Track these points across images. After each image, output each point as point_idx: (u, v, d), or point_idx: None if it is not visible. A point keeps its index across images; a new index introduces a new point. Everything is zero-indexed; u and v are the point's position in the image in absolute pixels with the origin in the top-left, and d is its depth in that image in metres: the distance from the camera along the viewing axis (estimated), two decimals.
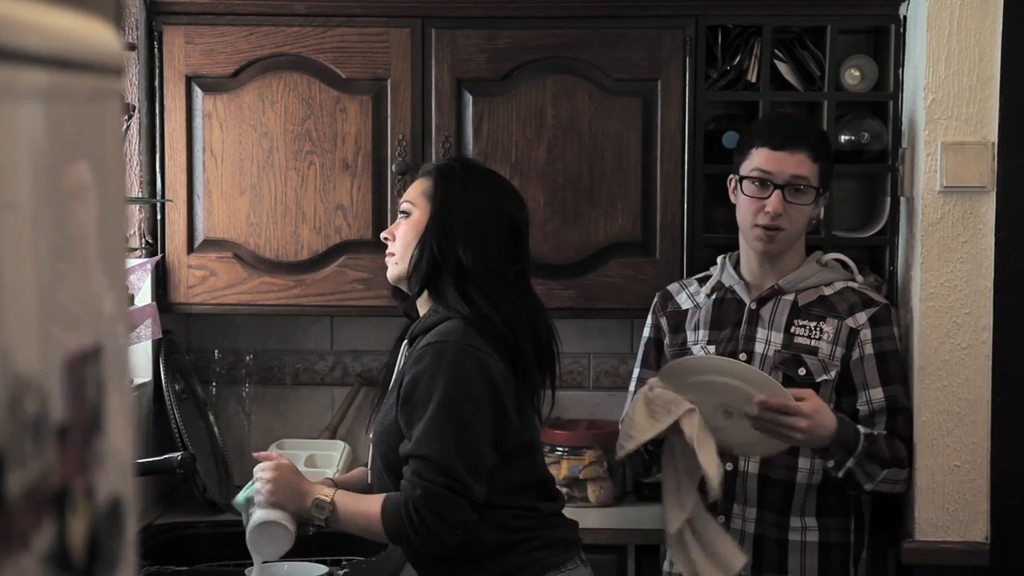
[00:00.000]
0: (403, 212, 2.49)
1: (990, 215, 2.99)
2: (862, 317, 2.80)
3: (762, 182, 2.76)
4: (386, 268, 2.53)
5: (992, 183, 2.99)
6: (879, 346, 2.80)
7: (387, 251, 2.51)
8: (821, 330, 2.79)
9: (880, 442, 2.73)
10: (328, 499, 2.38)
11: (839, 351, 2.78)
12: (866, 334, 2.79)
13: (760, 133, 2.83)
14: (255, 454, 2.56)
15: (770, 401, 2.53)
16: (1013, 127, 2.98)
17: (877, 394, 2.78)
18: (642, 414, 2.63)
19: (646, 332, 3.01)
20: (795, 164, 2.75)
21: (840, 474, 2.68)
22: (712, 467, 2.56)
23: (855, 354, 2.79)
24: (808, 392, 2.62)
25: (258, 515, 2.40)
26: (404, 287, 2.49)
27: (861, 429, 2.70)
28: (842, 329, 2.79)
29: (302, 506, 2.39)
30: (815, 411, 2.57)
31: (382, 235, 2.55)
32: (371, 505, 2.36)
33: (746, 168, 2.80)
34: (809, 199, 2.77)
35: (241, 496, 2.50)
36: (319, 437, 3.57)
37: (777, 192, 2.75)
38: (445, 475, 2.28)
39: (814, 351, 2.78)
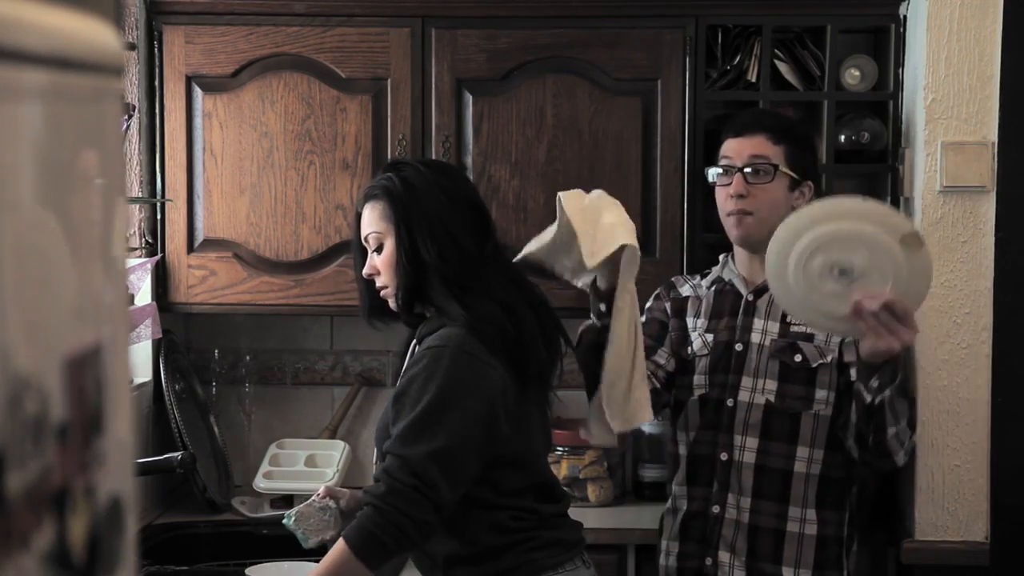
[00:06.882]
0: (376, 245, 2.44)
1: (990, 215, 2.99)
2: None
3: (726, 169, 2.80)
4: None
5: (992, 183, 2.99)
6: None
7: (378, 286, 2.46)
8: None
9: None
10: None
11: (835, 335, 2.76)
12: None
13: (725, 127, 2.88)
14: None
15: (898, 305, 2.39)
16: (1013, 127, 2.98)
17: None
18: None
19: (647, 315, 2.95)
20: (753, 146, 2.78)
21: (876, 400, 2.54)
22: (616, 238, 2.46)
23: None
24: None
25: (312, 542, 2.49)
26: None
27: None
28: None
29: None
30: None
31: (364, 273, 2.46)
32: (333, 550, 2.33)
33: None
34: (769, 178, 2.76)
35: (287, 520, 2.50)
36: (319, 437, 3.57)
37: (738, 175, 2.77)
38: (414, 476, 2.28)
39: (810, 337, 2.76)
